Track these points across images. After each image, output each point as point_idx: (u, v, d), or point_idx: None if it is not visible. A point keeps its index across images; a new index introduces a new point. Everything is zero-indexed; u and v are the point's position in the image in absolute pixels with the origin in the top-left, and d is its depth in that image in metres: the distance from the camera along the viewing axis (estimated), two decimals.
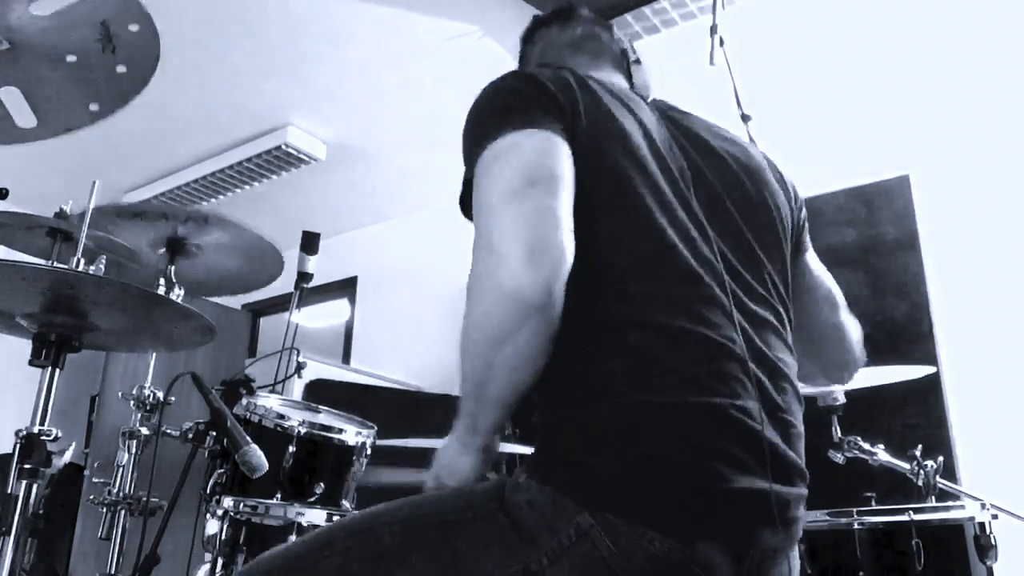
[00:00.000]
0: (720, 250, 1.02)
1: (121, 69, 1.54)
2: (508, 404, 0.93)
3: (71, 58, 1.50)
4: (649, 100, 1.19)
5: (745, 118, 1.99)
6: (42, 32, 1.44)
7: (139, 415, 2.22)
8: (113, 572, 2.13)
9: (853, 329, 1.31)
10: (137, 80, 1.59)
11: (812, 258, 1.30)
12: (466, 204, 1.01)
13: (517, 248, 0.87)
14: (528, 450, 1.03)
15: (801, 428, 1.02)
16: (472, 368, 0.92)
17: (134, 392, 2.23)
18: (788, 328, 1.09)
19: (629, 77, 1.32)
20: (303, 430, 1.94)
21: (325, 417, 2.11)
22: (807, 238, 1.30)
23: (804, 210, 1.29)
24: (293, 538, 1.78)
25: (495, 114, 1.01)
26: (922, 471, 1.89)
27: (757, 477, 0.90)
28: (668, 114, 1.18)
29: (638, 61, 1.33)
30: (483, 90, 1.07)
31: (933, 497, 1.87)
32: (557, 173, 0.95)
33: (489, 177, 0.95)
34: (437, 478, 1.03)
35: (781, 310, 1.08)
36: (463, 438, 0.99)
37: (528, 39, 1.40)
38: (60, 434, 1.62)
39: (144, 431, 2.20)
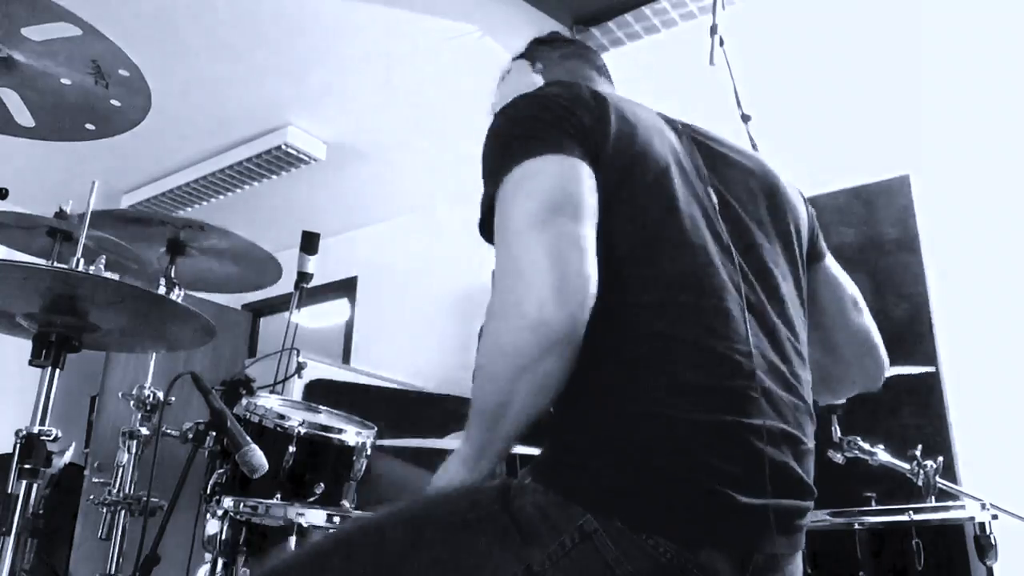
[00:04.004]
0: (741, 267, 1.03)
1: (115, 103, 1.56)
2: (520, 434, 0.93)
3: (66, 81, 1.50)
4: (670, 120, 1.18)
5: (745, 118, 1.99)
6: (36, 55, 1.45)
7: (139, 415, 2.22)
8: (113, 572, 2.14)
9: (876, 331, 1.31)
10: (130, 118, 1.61)
11: (831, 262, 1.30)
12: (486, 228, 1.00)
13: (544, 277, 0.87)
14: (531, 451, 1.04)
15: (811, 444, 1.02)
16: (489, 396, 0.91)
17: (134, 392, 2.23)
18: (804, 344, 1.09)
19: None
20: (303, 430, 1.94)
21: (325, 417, 2.11)
22: (822, 244, 1.30)
23: (815, 218, 1.30)
24: (293, 538, 1.78)
25: (517, 140, 1.00)
26: (922, 471, 1.89)
27: (760, 494, 0.91)
28: (690, 134, 1.17)
29: None
30: (501, 114, 1.07)
31: (933, 497, 1.87)
32: (581, 199, 0.94)
33: (513, 203, 0.95)
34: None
35: (798, 327, 1.08)
36: (469, 462, 0.98)
37: (545, 43, 1.40)
38: (60, 434, 1.62)
39: (144, 431, 2.20)
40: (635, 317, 0.96)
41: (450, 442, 2.16)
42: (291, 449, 1.90)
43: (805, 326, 1.11)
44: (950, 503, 1.85)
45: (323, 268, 2.73)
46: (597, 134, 1.01)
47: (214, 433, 1.81)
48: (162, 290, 2.14)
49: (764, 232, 1.11)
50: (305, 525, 1.78)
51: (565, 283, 0.87)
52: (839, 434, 2.00)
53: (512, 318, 0.88)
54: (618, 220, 0.98)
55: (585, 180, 0.96)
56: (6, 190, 1.86)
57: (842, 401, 1.78)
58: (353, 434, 2.02)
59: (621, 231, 0.98)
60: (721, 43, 2.06)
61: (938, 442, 2.73)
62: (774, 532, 0.91)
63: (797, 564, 1.01)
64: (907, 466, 1.93)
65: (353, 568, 0.96)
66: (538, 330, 0.86)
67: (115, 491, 2.17)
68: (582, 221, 0.92)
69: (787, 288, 1.09)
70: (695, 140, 1.16)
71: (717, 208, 1.07)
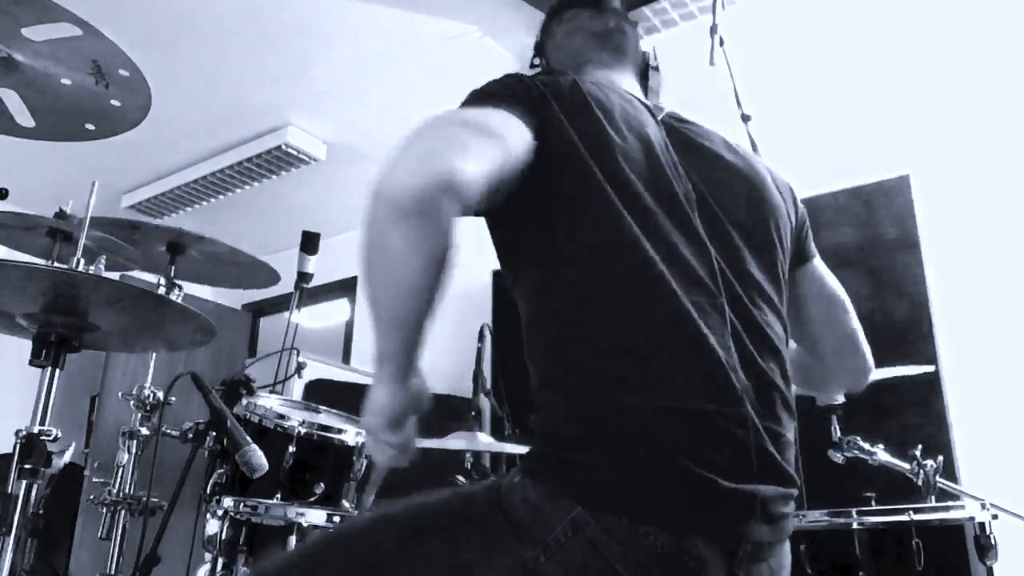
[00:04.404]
0: (718, 264, 1.03)
1: (115, 103, 1.56)
2: (401, 324, 0.90)
3: (66, 81, 1.50)
4: (660, 114, 1.18)
5: (745, 118, 1.99)
6: (36, 55, 1.45)
7: (139, 415, 2.22)
8: (113, 572, 2.14)
9: (862, 334, 1.31)
10: (129, 120, 1.61)
11: (819, 264, 1.30)
12: None
13: (408, 157, 0.86)
14: (523, 450, 1.04)
15: (790, 437, 1.03)
16: (364, 280, 0.89)
17: (134, 392, 2.23)
18: (783, 341, 1.10)
19: (645, 80, 1.32)
20: (303, 430, 1.94)
21: (325, 417, 2.12)
22: (811, 245, 1.30)
23: (806, 219, 1.30)
24: (293, 538, 1.78)
25: (478, 96, 1.04)
26: (922, 471, 1.89)
27: (743, 480, 0.92)
28: (675, 126, 1.17)
29: (656, 68, 1.33)
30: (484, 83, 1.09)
31: (933, 497, 1.87)
32: (497, 130, 0.95)
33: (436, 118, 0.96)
34: (364, 419, 1.00)
35: (776, 323, 1.08)
36: (375, 371, 0.95)
37: (556, 14, 1.39)
38: (60, 434, 1.62)
39: (144, 431, 2.20)
40: (613, 314, 0.96)
41: (451, 442, 2.16)
42: (291, 449, 1.90)
43: (784, 324, 1.12)
44: (950, 503, 1.84)
45: (323, 268, 2.73)
46: (564, 124, 1.02)
47: (214, 433, 1.81)
48: (162, 290, 2.14)
49: (743, 231, 1.10)
50: (305, 525, 1.78)
51: (426, 158, 0.85)
52: (839, 434, 2.00)
53: (377, 187, 0.86)
54: (592, 216, 0.99)
55: (514, 127, 0.97)
56: (6, 190, 1.86)
57: (840, 400, 1.79)
58: (353, 434, 2.02)
59: (597, 228, 0.99)
60: (721, 43, 2.06)
61: (938, 442, 2.73)
62: (758, 518, 0.93)
63: (785, 554, 1.02)
64: (907, 466, 1.92)
65: (349, 568, 0.97)
66: (387, 199, 0.84)
67: (115, 491, 2.17)
68: (481, 139, 0.91)
69: (764, 286, 1.09)
70: (679, 134, 1.16)
71: (696, 206, 1.07)
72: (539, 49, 1.40)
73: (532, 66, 1.37)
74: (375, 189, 0.86)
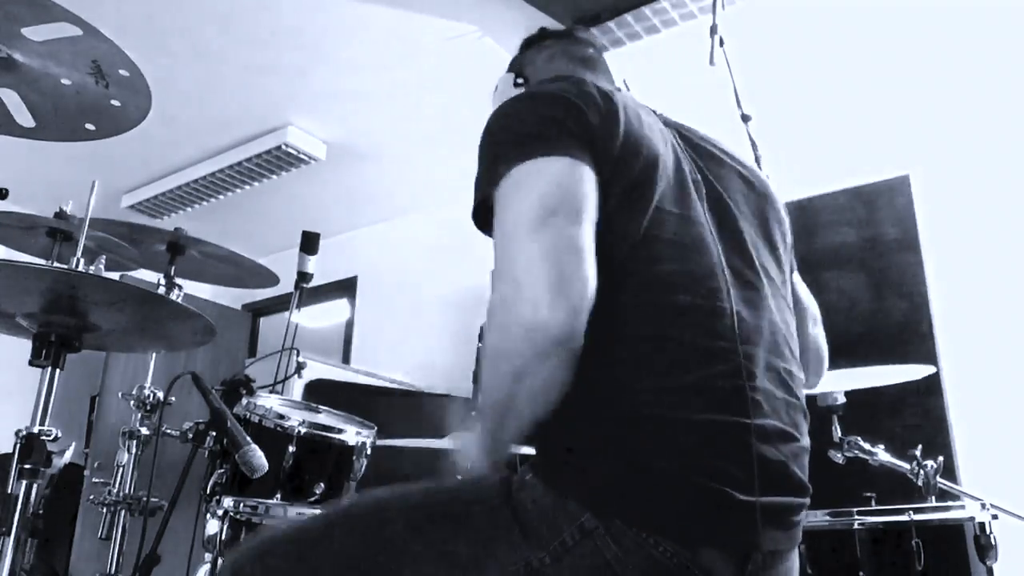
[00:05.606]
0: (736, 267, 1.03)
1: (115, 103, 1.56)
2: (529, 427, 0.94)
3: (66, 81, 1.50)
4: (666, 119, 1.18)
5: (745, 118, 1.99)
6: (36, 55, 1.45)
7: (139, 415, 2.22)
8: (113, 572, 2.14)
9: (825, 346, 1.35)
10: (130, 118, 1.60)
11: (797, 279, 1.33)
12: (479, 218, 1.00)
13: (540, 282, 0.86)
14: (532, 450, 1.04)
15: (806, 442, 1.03)
16: (494, 398, 0.92)
17: (134, 392, 2.23)
18: (796, 343, 1.10)
19: None
20: (303, 430, 1.94)
21: (325, 417, 2.12)
22: (794, 258, 1.32)
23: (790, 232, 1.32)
24: None
25: (517, 138, 0.99)
26: (922, 471, 1.89)
27: (757, 492, 0.91)
28: (686, 134, 1.18)
29: None
30: (503, 108, 1.05)
31: (933, 497, 1.87)
32: (580, 201, 0.93)
33: (510, 205, 0.93)
34: (458, 461, 1.07)
35: (792, 326, 1.09)
36: (486, 447, 0.99)
37: (534, 43, 1.40)
38: (60, 434, 1.62)
39: (144, 431, 2.20)
40: (633, 318, 0.96)
41: (450, 442, 2.16)
42: (291, 449, 1.90)
43: (795, 327, 1.12)
44: (950, 503, 1.84)
45: (323, 268, 2.73)
46: (604, 133, 0.99)
47: (214, 433, 1.81)
48: (162, 290, 2.14)
49: (757, 234, 1.11)
50: None
51: (561, 286, 0.86)
52: (839, 434, 2.00)
53: (509, 321, 0.87)
54: (619, 221, 0.98)
55: (585, 181, 0.95)
56: (6, 190, 1.86)
57: (842, 401, 1.79)
58: (353, 434, 2.02)
59: (621, 232, 0.98)
60: (721, 43, 2.06)
61: (938, 442, 2.73)
62: (772, 529, 0.92)
63: (794, 560, 1.02)
64: (907, 466, 1.92)
65: (355, 545, 0.97)
66: (533, 334, 0.85)
67: (115, 491, 2.17)
68: (580, 223, 0.91)
69: (780, 289, 1.10)
70: (690, 141, 1.17)
71: (713, 209, 1.07)
72: (519, 73, 1.39)
73: (516, 85, 1.36)
74: (510, 311, 0.86)
